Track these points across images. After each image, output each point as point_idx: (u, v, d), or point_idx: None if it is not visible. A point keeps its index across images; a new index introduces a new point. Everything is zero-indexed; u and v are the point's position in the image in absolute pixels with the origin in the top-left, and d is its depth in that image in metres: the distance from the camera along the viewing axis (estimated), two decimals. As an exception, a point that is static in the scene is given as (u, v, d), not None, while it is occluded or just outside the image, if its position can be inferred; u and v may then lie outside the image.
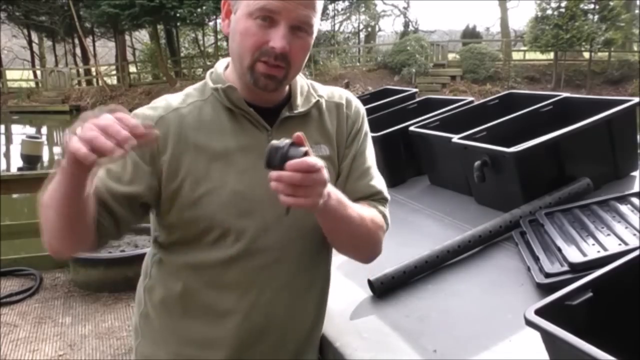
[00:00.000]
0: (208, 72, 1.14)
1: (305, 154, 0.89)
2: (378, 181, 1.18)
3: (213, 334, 1.11)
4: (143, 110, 1.08)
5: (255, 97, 1.08)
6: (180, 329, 1.13)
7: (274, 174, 0.87)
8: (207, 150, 1.05)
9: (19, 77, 26.24)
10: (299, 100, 1.12)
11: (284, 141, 0.89)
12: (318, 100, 1.14)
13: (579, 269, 1.18)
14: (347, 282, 1.43)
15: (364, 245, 1.14)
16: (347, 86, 20.00)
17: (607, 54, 20.72)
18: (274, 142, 0.89)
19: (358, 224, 1.07)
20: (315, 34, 1.05)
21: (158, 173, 1.04)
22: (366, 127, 1.22)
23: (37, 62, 27.54)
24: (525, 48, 22.90)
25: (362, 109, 1.22)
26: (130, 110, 0.90)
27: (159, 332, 1.16)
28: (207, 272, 1.09)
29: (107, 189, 1.00)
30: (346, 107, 1.19)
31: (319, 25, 1.09)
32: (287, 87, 1.12)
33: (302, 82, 1.15)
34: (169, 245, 1.12)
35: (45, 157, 12.09)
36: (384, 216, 1.16)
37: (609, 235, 1.29)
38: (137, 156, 1.01)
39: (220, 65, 1.15)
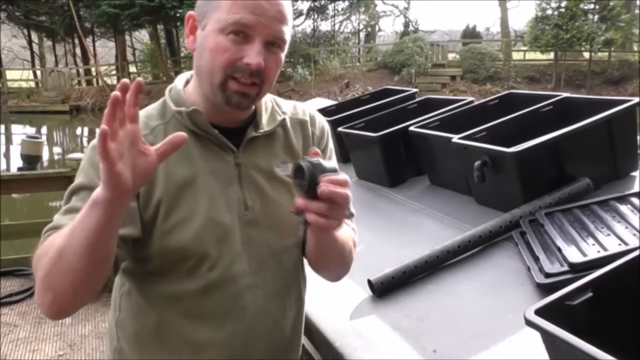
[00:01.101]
0: (167, 89, 1.08)
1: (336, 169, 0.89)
2: None
3: None
4: None
5: (220, 118, 1.03)
6: None
7: (329, 188, 0.85)
8: (175, 178, 1.00)
9: (19, 77, 26.22)
10: (264, 118, 1.08)
11: (313, 158, 0.88)
12: (284, 119, 1.11)
13: (579, 269, 1.18)
14: (347, 282, 1.43)
15: (344, 265, 1.13)
16: (347, 86, 20.03)
17: (607, 54, 20.72)
18: (304, 161, 0.87)
19: (345, 246, 1.07)
20: (286, 50, 1.02)
21: (139, 205, 0.99)
22: (331, 143, 1.20)
23: (37, 62, 27.54)
24: (525, 48, 22.89)
25: (327, 125, 1.20)
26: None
27: None
28: (182, 303, 1.04)
29: None
30: (310, 124, 1.16)
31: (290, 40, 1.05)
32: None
33: (266, 98, 1.10)
34: (140, 276, 1.07)
35: (45, 157, 12.10)
36: (354, 232, 1.16)
37: (609, 235, 1.29)
38: None
39: (180, 81, 1.09)
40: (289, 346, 1.15)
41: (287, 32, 0.99)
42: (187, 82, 1.09)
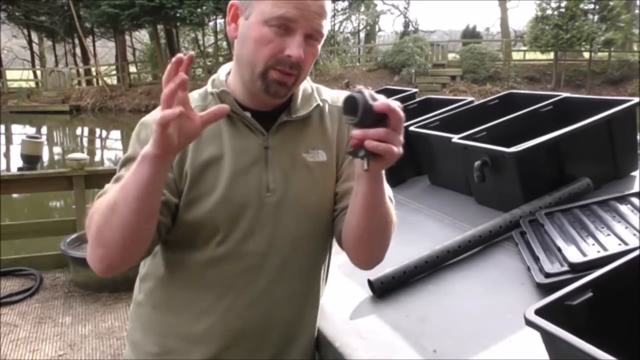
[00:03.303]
0: (210, 80, 1.14)
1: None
2: None
3: (192, 330, 1.12)
4: (154, 115, 1.05)
5: (255, 102, 1.07)
6: (164, 320, 1.15)
7: (385, 104, 0.83)
8: (203, 154, 1.06)
9: (19, 77, 26.26)
10: (299, 104, 1.11)
11: (355, 91, 0.85)
12: (319, 105, 1.14)
13: (579, 269, 1.18)
14: (347, 282, 1.43)
15: (386, 237, 1.07)
16: (347, 86, 20.01)
17: (607, 54, 20.73)
18: (354, 92, 0.84)
19: (388, 213, 1.04)
20: (322, 42, 1.06)
21: (174, 176, 1.06)
22: None
23: (37, 62, 27.54)
24: (525, 48, 22.90)
25: None
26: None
27: (148, 320, 1.18)
28: (188, 270, 1.11)
29: None
30: None
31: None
32: None
33: (306, 85, 1.14)
34: (165, 241, 1.14)
35: (45, 157, 12.10)
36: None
37: (609, 235, 1.29)
38: None
39: (223, 71, 1.14)
40: (290, 337, 1.17)
41: (326, 25, 1.03)
42: (229, 73, 1.13)
